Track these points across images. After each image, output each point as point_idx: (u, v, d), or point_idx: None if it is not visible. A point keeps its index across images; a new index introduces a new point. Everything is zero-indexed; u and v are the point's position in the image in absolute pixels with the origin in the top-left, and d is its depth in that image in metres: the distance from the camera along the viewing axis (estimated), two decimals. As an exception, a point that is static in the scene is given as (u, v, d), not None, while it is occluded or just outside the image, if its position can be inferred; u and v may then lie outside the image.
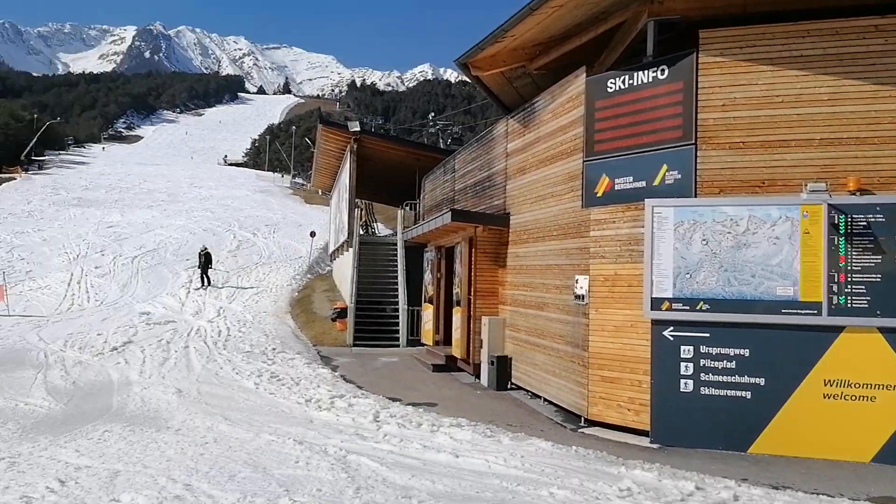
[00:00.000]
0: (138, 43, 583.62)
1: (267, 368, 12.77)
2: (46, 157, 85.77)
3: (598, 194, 9.23)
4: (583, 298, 9.36)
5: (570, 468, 6.68)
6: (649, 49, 8.88)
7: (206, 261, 26.03)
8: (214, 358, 13.76)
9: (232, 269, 29.22)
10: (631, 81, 8.91)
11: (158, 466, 6.58)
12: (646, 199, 8.46)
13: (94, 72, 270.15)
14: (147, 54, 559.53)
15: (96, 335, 15.86)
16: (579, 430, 9.07)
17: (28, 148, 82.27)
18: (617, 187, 9.00)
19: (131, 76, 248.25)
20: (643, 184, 8.68)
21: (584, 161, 9.46)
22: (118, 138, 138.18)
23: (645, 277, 8.37)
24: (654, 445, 8.20)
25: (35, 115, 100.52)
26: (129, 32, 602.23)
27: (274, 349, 15.24)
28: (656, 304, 8.27)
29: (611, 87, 9.14)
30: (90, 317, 19.01)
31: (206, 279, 25.76)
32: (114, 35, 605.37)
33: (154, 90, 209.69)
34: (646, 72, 8.75)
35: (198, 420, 8.73)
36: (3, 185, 57.62)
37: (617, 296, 8.90)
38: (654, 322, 8.34)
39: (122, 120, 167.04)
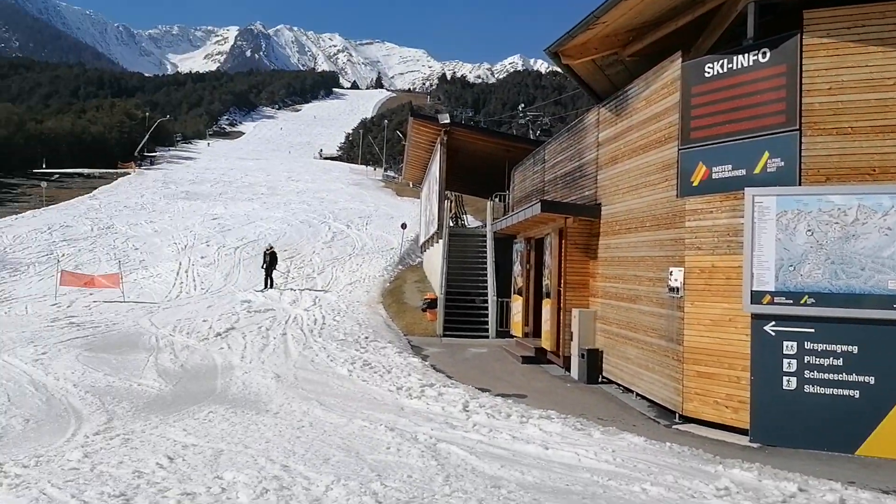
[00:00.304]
0: (240, 42, 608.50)
1: (360, 356, 13.11)
2: (157, 153, 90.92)
3: (695, 183, 8.93)
4: (677, 291, 9.09)
5: (664, 465, 6.53)
6: (750, 31, 8.50)
7: (271, 261, 24.36)
8: (310, 345, 14.23)
9: (327, 259, 30.09)
10: (730, 66, 8.55)
11: (258, 447, 6.88)
12: (746, 188, 8.11)
13: (200, 71, 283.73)
14: (248, 53, 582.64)
15: (202, 321, 16.72)
16: (673, 427, 8.83)
17: (141, 144, 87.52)
18: (714, 176, 8.68)
19: (234, 74, 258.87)
20: (743, 172, 8.33)
21: (680, 149, 9.17)
22: (222, 134, 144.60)
23: (744, 270, 8.04)
24: (754, 444, 7.89)
25: (147, 114, 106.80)
26: (232, 32, 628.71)
27: (366, 338, 15.61)
28: (757, 297, 7.93)
29: (708, 72, 8.81)
30: (196, 304, 20.05)
31: (269, 281, 24.03)
32: (217, 35, 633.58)
33: (254, 87, 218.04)
34: (746, 55, 8.37)
35: (294, 404, 9.06)
36: (119, 179, 61.54)
37: (714, 289, 8.60)
38: (755, 316, 8.00)
39: (226, 117, 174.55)
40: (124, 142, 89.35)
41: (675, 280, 9.14)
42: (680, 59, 9.25)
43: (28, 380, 9.97)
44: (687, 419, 8.88)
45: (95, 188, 54.16)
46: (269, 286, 23.77)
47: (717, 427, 8.48)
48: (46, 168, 68.84)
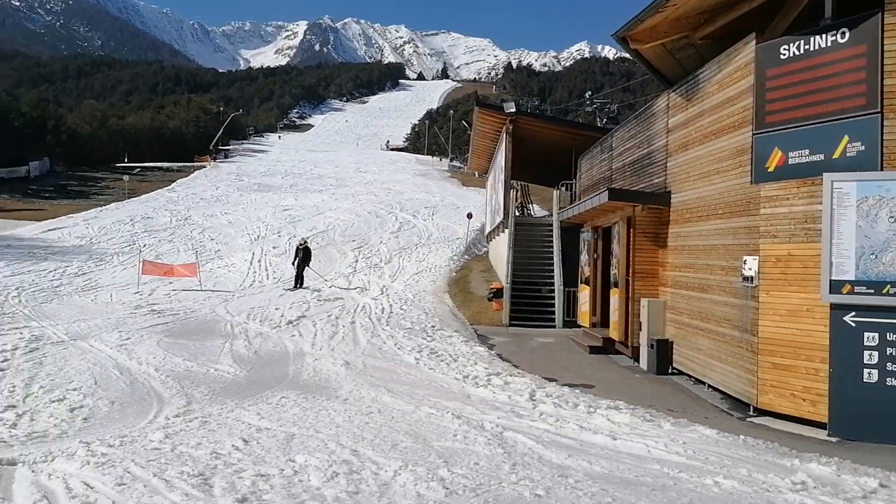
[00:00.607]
0: (309, 37, 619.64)
1: (426, 345, 13.24)
2: (231, 147, 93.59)
3: (770, 169, 8.63)
4: (751, 280, 8.83)
5: (738, 458, 6.38)
6: (827, 11, 8.14)
7: (304, 256, 22.21)
8: (378, 333, 14.46)
9: (394, 249, 30.43)
10: (807, 47, 8.22)
11: (328, 432, 7.06)
12: (824, 174, 7.80)
13: (271, 66, 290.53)
14: (317, 47, 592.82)
15: (274, 309, 17.20)
16: (747, 419, 8.61)
17: (216, 138, 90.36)
18: (790, 161, 8.37)
19: (303, 68, 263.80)
20: (820, 157, 8.01)
21: (754, 134, 8.87)
22: (292, 127, 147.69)
23: (823, 258, 7.74)
24: (833, 439, 7.62)
25: (221, 108, 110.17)
26: (301, 27, 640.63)
27: (433, 326, 15.75)
28: (836, 286, 7.63)
29: (784, 54, 8.48)
30: (269, 293, 20.63)
31: (300, 279, 21.80)
32: (287, 30, 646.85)
33: (323, 81, 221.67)
34: (824, 36, 8.03)
35: (363, 391, 9.24)
36: (195, 172, 63.70)
37: (790, 278, 8.31)
38: (834, 306, 7.70)
39: (296, 110, 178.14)
40: (200, 136, 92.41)
41: (749, 269, 8.88)
42: (754, 42, 8.94)
43: (113, 364, 10.48)
44: (761, 412, 8.64)
45: (174, 181, 56.21)
46: (299, 285, 21.47)
47: (793, 420, 8.23)
48: (128, 162, 71.90)
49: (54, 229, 31.96)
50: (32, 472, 5.39)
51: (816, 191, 7.94)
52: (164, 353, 11.46)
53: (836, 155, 7.85)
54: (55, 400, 8.25)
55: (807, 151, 8.17)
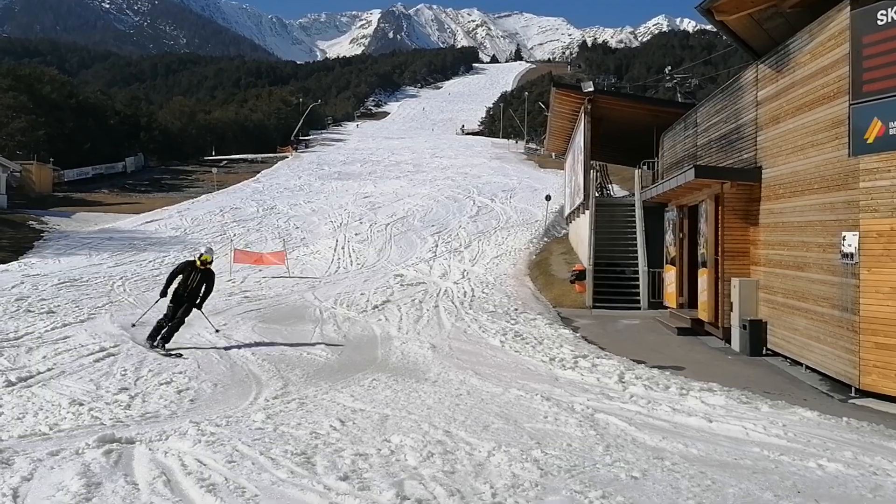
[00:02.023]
0: (382, 25, 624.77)
1: (510, 327, 13.30)
2: (311, 137, 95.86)
3: (869, 140, 8.22)
4: (851, 257, 8.46)
5: (842, 440, 6.17)
6: (935, -31, 7.64)
7: (193, 291, 11.29)
8: (462, 317, 14.62)
9: (473, 233, 30.55)
10: (910, 9, 7.74)
11: (420, 413, 7.23)
12: (931, 143, 7.37)
13: (347, 56, 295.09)
14: (390, 35, 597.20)
15: (360, 295, 17.63)
16: (849, 401, 8.30)
17: (296, 129, 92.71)
18: (891, 131, 7.95)
19: (377, 57, 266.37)
20: (926, 126, 7.56)
21: (851, 104, 8.46)
22: (368, 115, 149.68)
23: (931, 232, 7.33)
24: (943, 421, 7.26)
25: (300, 99, 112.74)
26: (375, 16, 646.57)
27: (516, 309, 15.78)
28: (946, 262, 7.22)
29: (881, 20, 8.03)
30: (353, 279, 21.14)
31: (169, 329, 10.92)
32: (361, 20, 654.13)
33: (397, 68, 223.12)
34: (929, -3, 7.55)
35: (451, 373, 9.39)
36: (278, 163, 65.58)
37: (894, 254, 7.92)
38: (943, 283, 7.30)
39: (372, 98, 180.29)
40: (281, 127, 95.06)
41: (849, 245, 8.50)
42: (849, 8, 8.49)
43: (213, 349, 11.03)
44: (864, 393, 8.31)
45: (258, 172, 58.06)
46: (160, 341, 10.75)
47: (899, 402, 7.88)
48: (215, 155, 74.74)
49: (151, 221, 33.68)
50: (150, 450, 5.77)
51: (923, 161, 7.52)
52: (259, 338, 11.97)
53: (945, 123, 7.40)
54: (163, 383, 8.77)
55: (910, 120, 7.73)
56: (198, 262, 11.25)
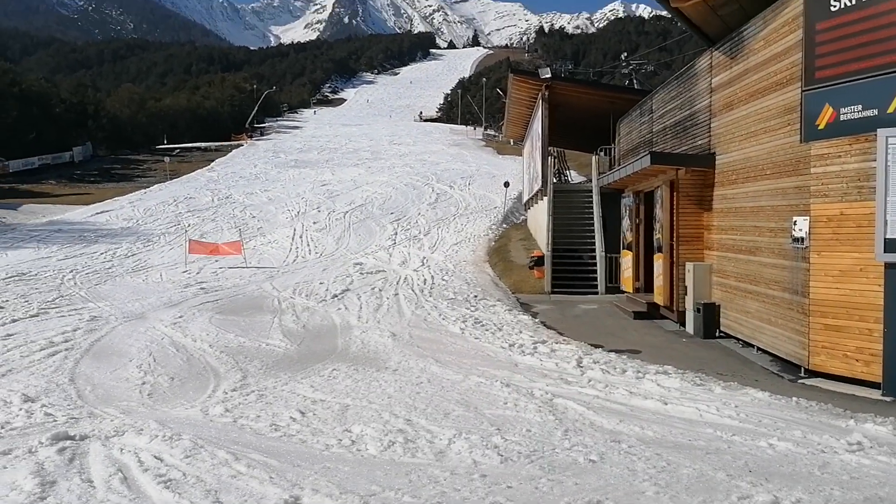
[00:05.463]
0: (338, 9, 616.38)
1: (470, 314, 13.34)
2: (266, 124, 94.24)
3: (820, 126, 8.42)
4: (802, 241, 8.68)
5: (791, 419, 6.35)
6: (883, -43, 7.82)
7: None
8: (422, 304, 14.61)
9: (432, 221, 30.52)
10: (859, -3, 7.93)
11: (381, 402, 7.21)
12: (878, 130, 7.58)
13: (301, 41, 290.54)
14: (346, 20, 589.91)
15: (319, 284, 17.47)
16: (799, 381, 8.54)
17: (251, 116, 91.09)
18: (842, 118, 8.14)
19: (333, 42, 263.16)
20: (874, 112, 7.77)
21: (803, 91, 8.64)
22: (325, 102, 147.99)
23: (877, 217, 7.56)
24: (887, 398, 7.54)
25: (255, 86, 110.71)
26: (329, 0, 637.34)
27: (475, 296, 15.83)
28: (891, 245, 7.46)
29: (834, 6, 8.20)
30: (312, 268, 20.93)
31: None
32: (316, 4, 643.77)
33: (353, 54, 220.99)
34: (878, -16, 7.74)
35: (411, 361, 9.38)
36: (233, 151, 64.40)
37: (843, 238, 8.15)
38: (889, 266, 7.55)
39: (328, 84, 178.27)
40: (236, 114, 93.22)
41: (800, 230, 8.72)
42: (803, -7, 8.66)
43: (169, 341, 10.81)
44: (813, 373, 8.56)
45: (213, 161, 56.91)
46: None
47: (846, 381, 8.16)
48: (167, 144, 73.04)
49: (102, 212, 32.81)
50: (105, 446, 5.63)
51: (870, 147, 7.73)
52: (216, 330, 11.76)
53: (892, 109, 7.60)
54: (119, 377, 8.57)
55: (860, 107, 7.93)
56: None
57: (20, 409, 6.91)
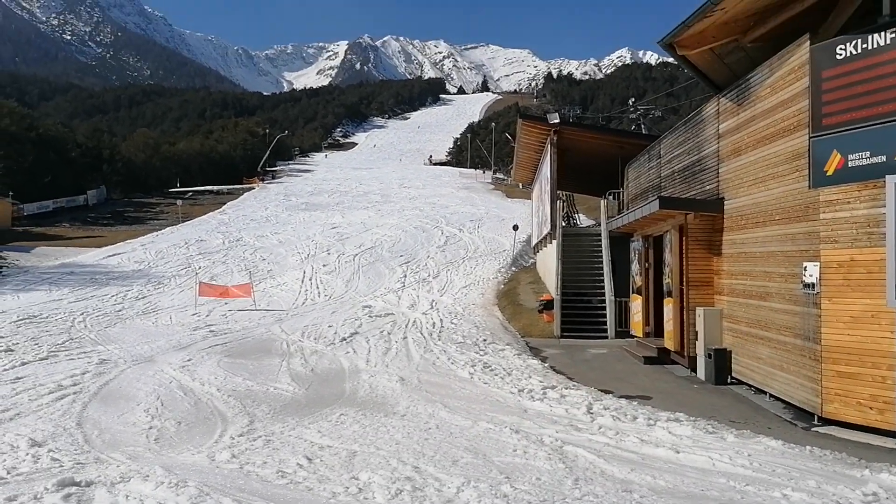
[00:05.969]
0: (349, 56, 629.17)
1: (479, 359, 13.25)
2: (278, 167, 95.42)
3: (828, 173, 8.45)
4: (813, 287, 8.63)
5: (805, 469, 6.23)
6: (885, 8, 7.98)
7: None
8: (430, 348, 14.54)
9: (441, 263, 30.55)
10: (864, 46, 8.04)
11: (389, 449, 7.14)
12: (887, 176, 7.60)
13: (314, 86, 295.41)
14: (357, 66, 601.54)
15: (327, 327, 17.44)
16: (812, 429, 8.40)
17: (263, 160, 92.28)
18: (850, 164, 8.18)
19: (345, 88, 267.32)
20: (882, 158, 7.81)
21: (811, 137, 8.70)
22: (336, 146, 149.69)
23: (888, 263, 7.52)
24: (904, 448, 7.38)
25: (267, 130, 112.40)
26: (342, 47, 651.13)
27: (485, 340, 15.75)
28: (903, 291, 7.40)
29: (840, 54, 8.31)
30: (321, 310, 20.92)
31: None
32: (328, 51, 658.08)
33: (365, 99, 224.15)
34: (882, 34, 7.85)
35: (420, 407, 9.31)
36: (245, 194, 65.06)
37: (854, 284, 8.10)
38: (901, 312, 7.48)
39: (339, 129, 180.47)
40: (248, 158, 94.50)
41: (811, 276, 8.68)
42: (808, 42, 8.79)
43: (177, 385, 10.78)
44: (827, 421, 8.42)
45: (224, 203, 57.46)
46: None
47: (860, 429, 8.02)
48: (180, 187, 73.90)
49: (114, 255, 33.02)
50: (110, 493, 5.58)
51: (879, 194, 7.74)
52: (224, 373, 11.73)
53: (899, 156, 7.64)
54: (126, 422, 8.54)
55: (868, 153, 7.97)
56: None
57: (27, 454, 6.89)
